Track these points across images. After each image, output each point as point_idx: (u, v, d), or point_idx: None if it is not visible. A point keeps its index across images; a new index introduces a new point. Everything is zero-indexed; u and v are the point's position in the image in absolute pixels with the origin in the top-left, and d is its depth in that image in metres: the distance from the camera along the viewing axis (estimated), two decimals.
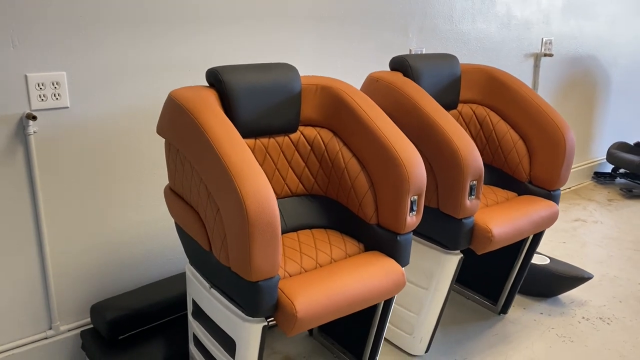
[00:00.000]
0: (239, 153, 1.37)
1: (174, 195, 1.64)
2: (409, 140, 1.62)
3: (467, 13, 2.89)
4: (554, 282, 2.40)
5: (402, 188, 1.58)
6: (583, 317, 2.33)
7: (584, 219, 3.44)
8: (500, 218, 1.85)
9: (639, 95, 4.37)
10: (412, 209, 1.61)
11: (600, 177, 4.13)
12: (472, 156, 1.71)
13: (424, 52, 2.75)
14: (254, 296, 1.38)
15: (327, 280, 1.49)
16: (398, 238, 1.63)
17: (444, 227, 1.82)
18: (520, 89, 2.09)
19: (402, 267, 1.65)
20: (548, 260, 2.47)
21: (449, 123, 1.76)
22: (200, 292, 1.64)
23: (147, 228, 2.03)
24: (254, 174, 1.34)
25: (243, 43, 2.12)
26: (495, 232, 1.80)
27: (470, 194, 1.74)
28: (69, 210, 1.84)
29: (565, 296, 2.50)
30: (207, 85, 1.67)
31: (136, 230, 2.01)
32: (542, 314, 2.36)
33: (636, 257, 2.90)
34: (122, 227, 1.97)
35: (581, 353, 2.09)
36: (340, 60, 2.44)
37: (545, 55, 3.37)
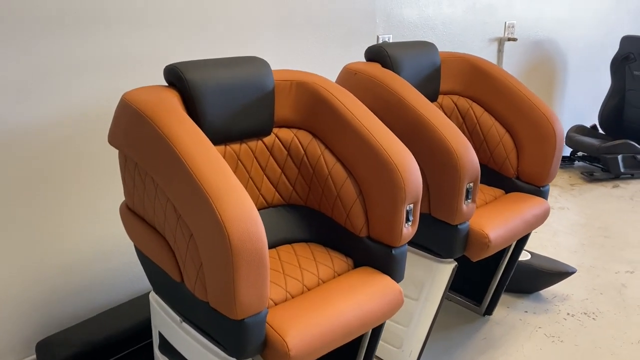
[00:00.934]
0: (215, 168, 1.15)
1: (133, 215, 1.40)
2: (401, 143, 1.44)
3: None
4: (537, 278, 2.30)
5: (397, 196, 1.40)
6: (568, 314, 2.25)
7: (551, 205, 3.40)
8: (495, 221, 1.71)
9: (594, 79, 4.37)
10: (407, 219, 1.44)
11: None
12: (469, 156, 1.55)
13: (391, 39, 2.58)
14: (240, 335, 1.17)
15: (319, 308, 1.29)
16: (393, 252, 1.45)
17: (436, 234, 1.66)
18: (505, 78, 1.95)
19: (398, 282, 1.48)
20: (529, 256, 2.37)
21: (440, 119, 1.59)
22: (169, 325, 1.42)
23: (103, 246, 1.77)
24: (235, 193, 1.12)
25: (197, 34, 1.87)
26: (492, 236, 1.65)
27: (467, 198, 1.59)
28: (6, 231, 1.56)
29: (547, 291, 2.41)
30: (167, 84, 1.42)
31: (89, 250, 1.75)
32: (526, 312, 2.26)
33: (608, 245, 2.86)
34: (70, 249, 1.71)
35: (573, 354, 1.99)
36: (305, 48, 2.23)
37: (509, 39, 3.27)
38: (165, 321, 1.43)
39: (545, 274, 2.28)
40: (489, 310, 2.20)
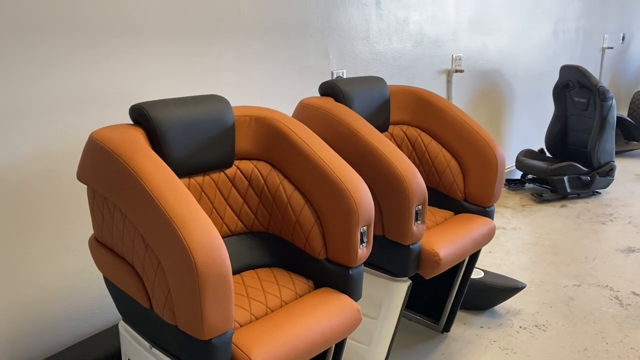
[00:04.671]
0: (180, 198, 1.24)
1: (102, 247, 1.47)
2: (353, 170, 1.56)
3: (383, 33, 2.92)
4: (491, 295, 2.44)
5: (351, 220, 1.52)
6: (520, 327, 2.38)
7: (504, 226, 3.57)
8: (444, 240, 1.84)
9: (538, 105, 4.64)
10: (362, 241, 1.55)
11: (511, 184, 4.32)
12: (416, 181, 1.68)
13: (345, 74, 2.73)
14: (207, 356, 1.24)
15: (282, 327, 1.38)
16: (350, 272, 1.56)
17: (391, 254, 1.78)
18: (448, 108, 2.11)
19: (356, 301, 1.58)
20: (482, 274, 2.50)
21: (388, 148, 1.72)
22: (139, 352, 1.48)
23: (69, 281, 1.82)
24: (199, 220, 1.22)
25: (162, 75, 1.97)
26: (442, 254, 1.78)
27: (416, 219, 1.71)
28: None
29: (501, 307, 2.55)
30: (132, 123, 1.52)
31: (56, 285, 1.79)
32: (482, 327, 2.38)
33: (556, 261, 3.03)
34: (39, 283, 1.75)
35: None
36: (262, 86, 2.35)
37: (456, 71, 3.48)
38: (135, 349, 1.49)
39: (497, 290, 2.41)
40: (447, 327, 2.31)
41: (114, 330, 1.85)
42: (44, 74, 1.67)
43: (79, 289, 1.86)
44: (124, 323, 1.54)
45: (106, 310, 1.93)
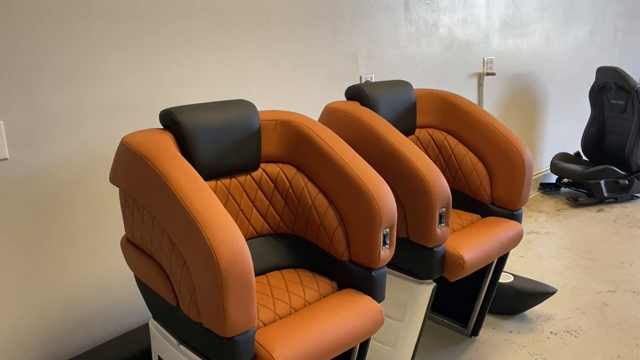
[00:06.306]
0: (205, 199, 1.29)
1: (132, 247, 1.53)
2: (376, 173, 1.58)
3: (412, 37, 2.92)
4: (520, 300, 2.41)
5: (373, 222, 1.54)
6: (551, 332, 2.35)
7: (537, 230, 3.52)
8: (469, 243, 1.83)
9: (573, 108, 4.55)
10: (385, 243, 1.57)
11: (546, 188, 4.25)
12: (440, 183, 1.69)
13: (373, 78, 2.75)
14: (230, 353, 1.28)
15: (304, 326, 1.41)
16: (373, 273, 1.58)
17: (415, 256, 1.79)
18: (474, 111, 2.11)
19: (379, 302, 1.60)
20: (512, 278, 2.48)
21: (413, 151, 1.73)
22: (168, 349, 1.53)
23: (103, 281, 1.90)
24: (222, 221, 1.26)
25: (191, 80, 2.03)
26: (467, 257, 1.78)
27: (440, 222, 1.72)
28: (13, 268, 1.69)
29: (531, 312, 2.51)
30: (162, 127, 1.58)
31: (92, 284, 1.87)
32: (511, 332, 2.36)
33: (591, 266, 2.97)
34: (76, 282, 1.83)
35: None
36: (292, 91, 2.39)
37: (488, 74, 3.45)
38: (164, 345, 1.54)
39: (527, 295, 2.39)
40: (475, 331, 2.30)
41: (145, 328, 1.91)
42: (83, 81, 1.75)
43: (113, 288, 1.93)
44: (153, 321, 1.59)
45: (138, 309, 2.00)
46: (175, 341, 1.48)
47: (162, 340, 1.55)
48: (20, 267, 1.70)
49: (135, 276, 1.58)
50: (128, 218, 1.51)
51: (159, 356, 1.60)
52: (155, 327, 1.59)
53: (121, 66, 1.84)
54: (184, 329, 1.41)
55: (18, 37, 1.61)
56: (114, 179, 1.51)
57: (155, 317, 1.58)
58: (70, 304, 1.83)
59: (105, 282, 1.91)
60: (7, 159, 1.64)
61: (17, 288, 1.70)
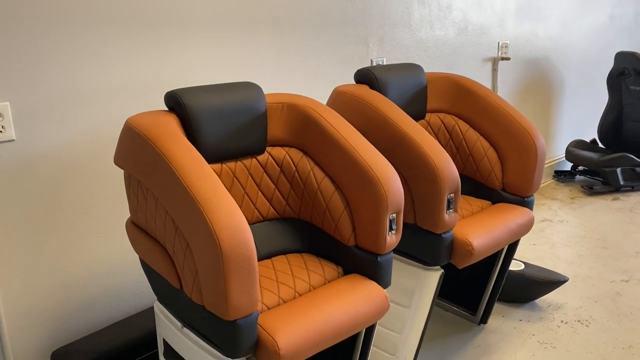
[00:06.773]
0: (207, 182, 1.28)
1: (137, 229, 1.52)
2: (383, 157, 1.56)
3: (425, 20, 2.87)
4: (530, 288, 2.38)
5: (379, 207, 1.51)
6: (562, 321, 2.32)
7: (550, 218, 3.47)
8: (478, 229, 1.80)
9: (590, 94, 4.46)
10: (391, 228, 1.54)
11: (560, 176, 4.18)
12: (449, 169, 1.66)
13: (384, 62, 2.71)
14: (233, 336, 1.27)
15: (308, 311, 1.40)
16: (379, 259, 1.56)
17: (423, 243, 1.76)
18: (487, 96, 2.06)
19: (384, 288, 1.58)
20: (523, 266, 2.44)
21: (422, 136, 1.70)
22: (172, 331, 1.53)
23: (110, 262, 1.90)
24: (224, 204, 1.24)
25: (199, 62, 2.01)
26: (475, 244, 1.75)
27: (449, 208, 1.69)
28: (21, 249, 1.69)
29: (542, 300, 2.48)
30: (166, 109, 1.56)
31: (99, 266, 1.87)
32: (521, 320, 2.33)
33: (605, 255, 2.92)
34: (83, 263, 1.83)
35: (564, 359, 2.06)
36: (302, 74, 2.36)
37: (502, 59, 3.39)
38: (169, 328, 1.54)
39: (537, 283, 2.35)
40: (484, 319, 2.27)
41: (151, 311, 1.91)
42: (89, 63, 1.74)
43: (120, 270, 1.93)
44: (158, 303, 1.59)
45: (145, 292, 2.01)
46: (179, 324, 1.48)
47: (166, 323, 1.55)
48: (30, 249, 1.71)
49: (140, 259, 1.57)
50: (132, 200, 1.50)
51: (163, 339, 1.60)
52: (160, 310, 1.58)
53: (128, 48, 1.82)
54: (187, 312, 1.41)
55: (23, 18, 1.60)
56: (118, 161, 1.50)
57: (159, 300, 1.58)
58: (79, 285, 1.84)
59: (114, 263, 1.91)
60: (13, 140, 1.63)
61: (26, 268, 1.71)
